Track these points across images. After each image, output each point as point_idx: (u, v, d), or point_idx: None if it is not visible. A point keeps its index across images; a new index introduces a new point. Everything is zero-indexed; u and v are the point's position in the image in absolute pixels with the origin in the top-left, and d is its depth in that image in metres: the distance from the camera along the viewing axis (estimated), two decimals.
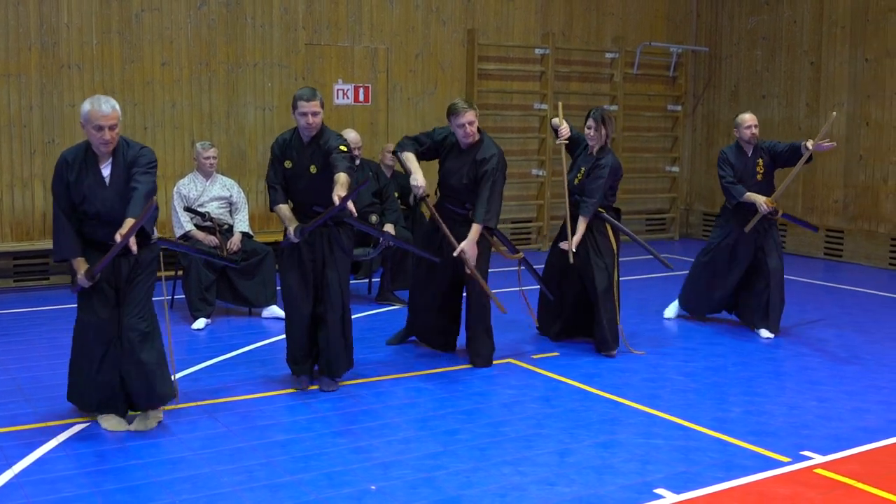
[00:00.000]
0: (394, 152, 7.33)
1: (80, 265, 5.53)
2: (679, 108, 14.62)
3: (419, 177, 7.01)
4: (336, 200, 5.90)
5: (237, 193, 8.91)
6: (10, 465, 5.07)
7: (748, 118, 8.35)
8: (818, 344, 8.06)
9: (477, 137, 7.14)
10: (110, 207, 5.53)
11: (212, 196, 8.78)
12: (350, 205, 5.91)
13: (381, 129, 12.07)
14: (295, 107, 6.41)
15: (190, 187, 8.78)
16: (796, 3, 13.22)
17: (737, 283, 8.53)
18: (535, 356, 7.51)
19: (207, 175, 8.85)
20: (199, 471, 5.06)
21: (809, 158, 8.09)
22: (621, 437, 5.71)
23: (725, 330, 8.51)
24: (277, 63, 11.36)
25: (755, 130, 8.33)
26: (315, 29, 11.60)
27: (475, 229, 6.96)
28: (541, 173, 13.32)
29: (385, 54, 12.06)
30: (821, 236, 12.78)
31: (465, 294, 7.44)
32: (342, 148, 6.34)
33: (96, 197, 5.54)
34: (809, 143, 8.03)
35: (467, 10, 12.70)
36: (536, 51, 13.17)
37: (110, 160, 5.57)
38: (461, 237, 7.01)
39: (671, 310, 8.99)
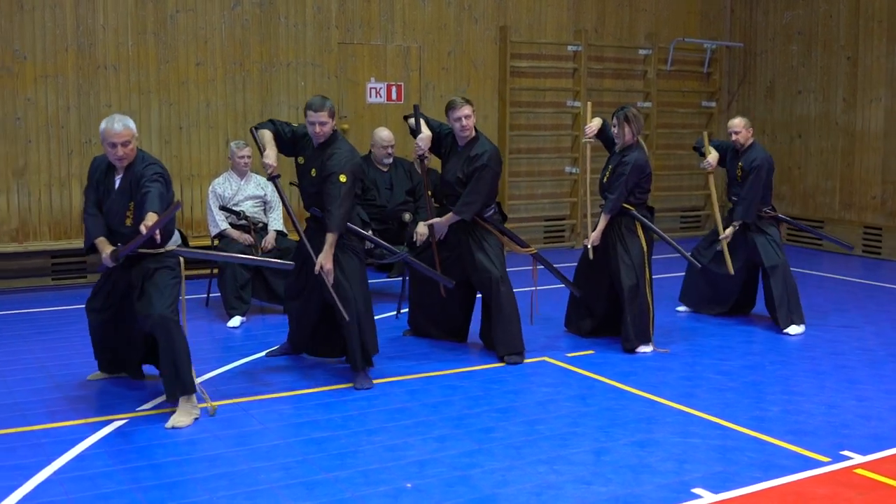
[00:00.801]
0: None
1: (105, 245, 5.87)
2: (713, 104, 14.52)
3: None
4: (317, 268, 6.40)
5: (271, 192, 8.93)
6: (49, 462, 5.12)
7: (732, 123, 8.63)
8: (857, 342, 7.98)
9: (473, 134, 7.36)
10: (115, 215, 5.93)
11: (246, 195, 8.82)
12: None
13: None
14: (305, 115, 6.63)
15: (225, 186, 8.83)
16: None
17: (734, 281, 8.65)
18: (569, 354, 7.49)
19: (242, 174, 8.89)
20: (236, 468, 5.08)
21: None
22: (658, 436, 5.68)
23: (762, 328, 8.45)
24: (311, 62, 11.40)
25: (735, 136, 8.54)
26: (348, 28, 11.62)
27: (449, 215, 7.30)
28: (574, 171, 13.27)
29: (417, 52, 12.07)
30: (858, 233, 12.66)
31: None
32: (342, 178, 6.48)
33: (105, 203, 5.98)
34: (723, 232, 8.43)
35: (499, 8, 12.68)
36: (569, 48, 13.12)
37: (123, 173, 5.95)
38: (459, 239, 7.37)
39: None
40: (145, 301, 5.80)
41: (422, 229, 9.05)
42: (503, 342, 7.27)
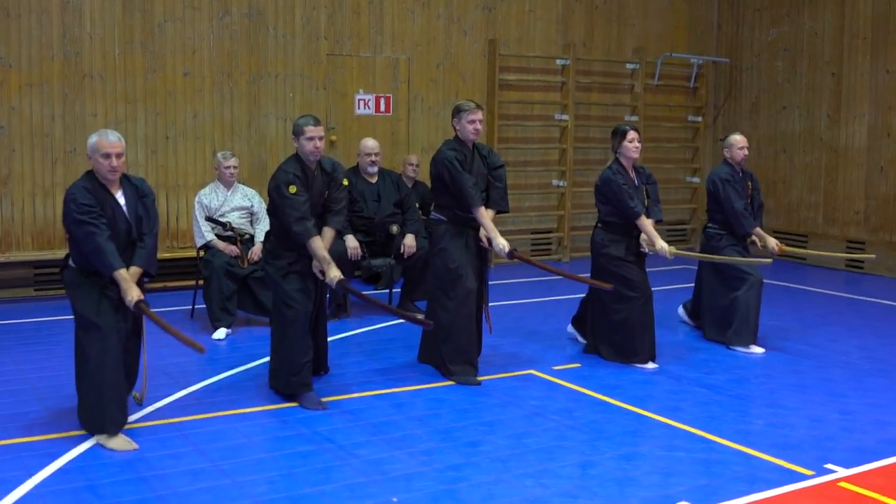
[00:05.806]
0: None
1: (131, 285, 5.67)
2: (700, 119, 14.57)
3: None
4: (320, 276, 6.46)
5: (258, 203, 8.92)
6: (30, 475, 5.08)
7: (741, 139, 8.38)
8: (841, 356, 8.00)
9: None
10: (125, 232, 5.79)
11: (233, 206, 8.81)
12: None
13: (401, 139, 12.08)
14: (301, 133, 6.49)
15: (211, 197, 8.81)
16: (817, 14, 13.17)
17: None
18: (556, 367, 7.49)
19: (228, 185, 8.87)
20: (220, 482, 5.05)
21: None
22: (643, 450, 5.68)
23: None
24: (299, 73, 11.39)
25: (747, 152, 8.39)
26: (337, 39, 11.62)
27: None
28: (562, 184, 13.28)
29: (406, 64, 12.08)
30: (842, 248, 12.69)
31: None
32: (344, 182, 6.84)
33: (116, 224, 5.74)
34: (769, 243, 8.27)
35: (489, 21, 12.70)
36: (557, 61, 13.15)
37: (121, 189, 5.82)
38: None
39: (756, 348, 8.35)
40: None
41: (409, 241, 9.09)
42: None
